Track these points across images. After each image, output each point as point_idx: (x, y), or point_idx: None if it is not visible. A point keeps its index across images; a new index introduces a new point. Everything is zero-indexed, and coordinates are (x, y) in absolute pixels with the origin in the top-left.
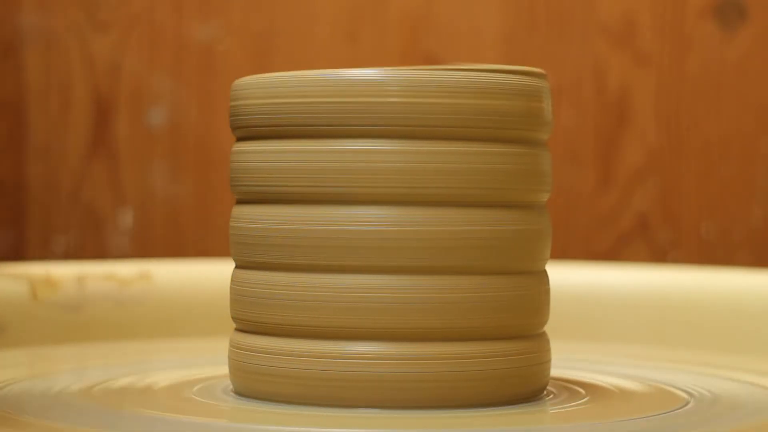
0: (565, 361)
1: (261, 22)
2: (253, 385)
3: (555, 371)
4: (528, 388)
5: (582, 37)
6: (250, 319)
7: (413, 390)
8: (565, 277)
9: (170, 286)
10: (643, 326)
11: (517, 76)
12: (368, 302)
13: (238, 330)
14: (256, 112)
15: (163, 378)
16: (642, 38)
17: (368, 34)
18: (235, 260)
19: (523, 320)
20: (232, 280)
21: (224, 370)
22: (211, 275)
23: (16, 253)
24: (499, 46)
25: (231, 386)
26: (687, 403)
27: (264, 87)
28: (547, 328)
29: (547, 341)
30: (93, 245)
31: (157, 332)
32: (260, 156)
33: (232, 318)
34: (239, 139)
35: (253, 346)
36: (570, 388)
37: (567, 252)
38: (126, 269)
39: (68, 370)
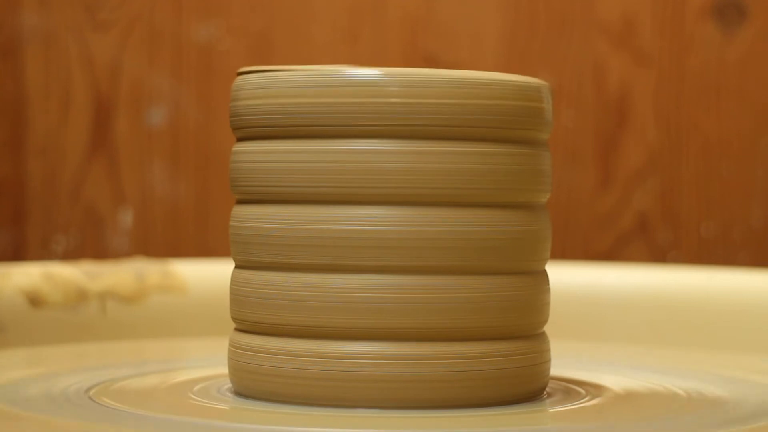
0: (565, 361)
1: (260, 22)
2: (253, 385)
3: (555, 371)
4: (528, 388)
5: (582, 37)
6: (250, 319)
7: (413, 390)
8: (565, 277)
9: (171, 286)
10: (643, 326)
11: (517, 76)
12: (368, 302)
13: (238, 330)
14: (256, 112)
15: (163, 378)
16: (642, 38)
17: (368, 34)
18: (235, 260)
19: (523, 320)
20: (232, 280)
21: (224, 370)
22: (211, 275)
23: (16, 253)
24: (499, 46)
25: (231, 386)
26: (686, 404)
27: (264, 87)
28: (547, 328)
29: (547, 341)
30: (93, 245)
31: (157, 332)
32: (260, 156)
33: (232, 318)
34: (239, 139)
35: (253, 346)
36: (570, 388)
37: (567, 252)
38: (127, 269)
39: (68, 370)
